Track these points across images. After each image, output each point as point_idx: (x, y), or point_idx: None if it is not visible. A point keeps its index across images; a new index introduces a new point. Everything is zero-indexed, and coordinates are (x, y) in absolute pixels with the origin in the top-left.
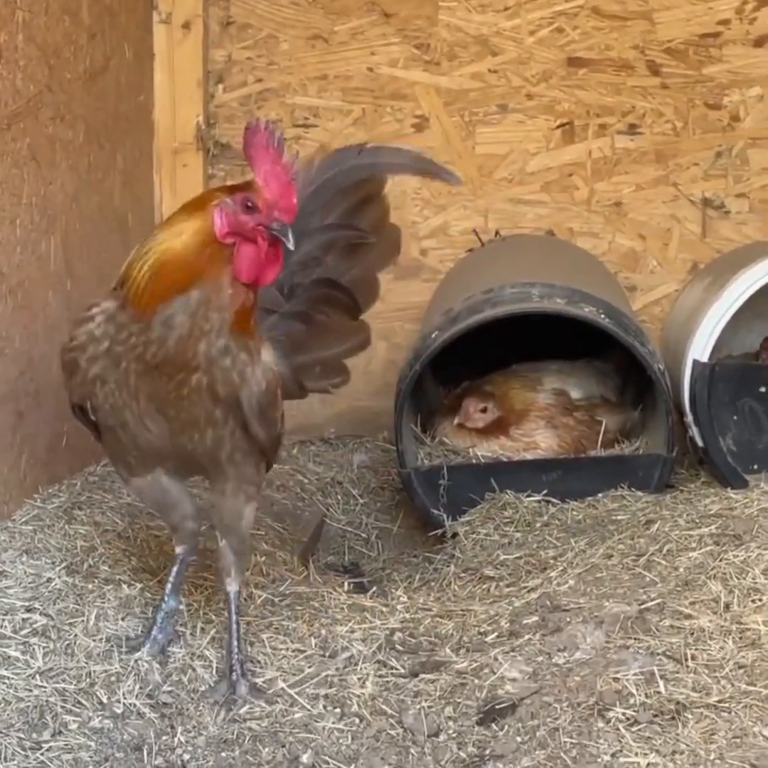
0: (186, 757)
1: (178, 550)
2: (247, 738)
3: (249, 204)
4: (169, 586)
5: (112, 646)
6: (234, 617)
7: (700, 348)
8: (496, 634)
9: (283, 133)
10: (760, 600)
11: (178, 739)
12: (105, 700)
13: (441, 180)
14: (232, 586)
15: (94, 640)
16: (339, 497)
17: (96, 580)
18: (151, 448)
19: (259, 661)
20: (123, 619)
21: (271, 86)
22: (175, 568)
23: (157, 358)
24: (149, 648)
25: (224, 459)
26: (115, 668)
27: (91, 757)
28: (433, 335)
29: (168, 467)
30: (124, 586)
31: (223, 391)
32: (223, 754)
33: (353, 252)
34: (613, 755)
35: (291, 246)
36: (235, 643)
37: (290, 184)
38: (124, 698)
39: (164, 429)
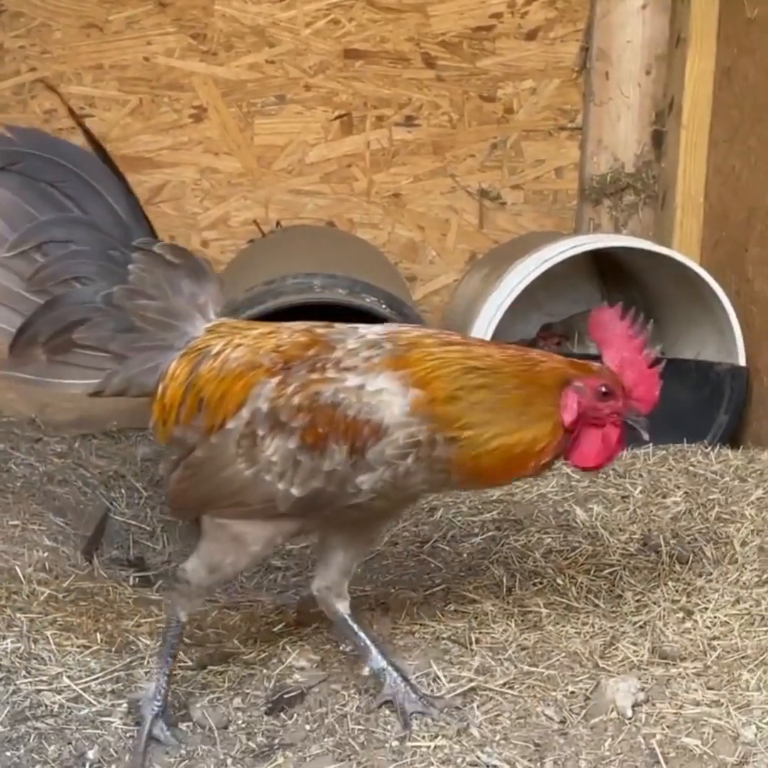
0: None
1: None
2: (33, 736)
3: (605, 390)
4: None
5: None
6: None
7: (480, 336)
8: (283, 623)
9: (643, 322)
10: (541, 583)
11: None
12: None
13: None
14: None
15: None
16: (123, 491)
17: None
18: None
19: (43, 659)
20: None
21: (45, 75)
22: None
23: None
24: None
25: None
26: None
27: None
28: None
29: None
30: None
31: None
32: (8, 754)
33: None
34: (400, 740)
35: (647, 438)
36: None
37: (653, 375)
38: None
39: None
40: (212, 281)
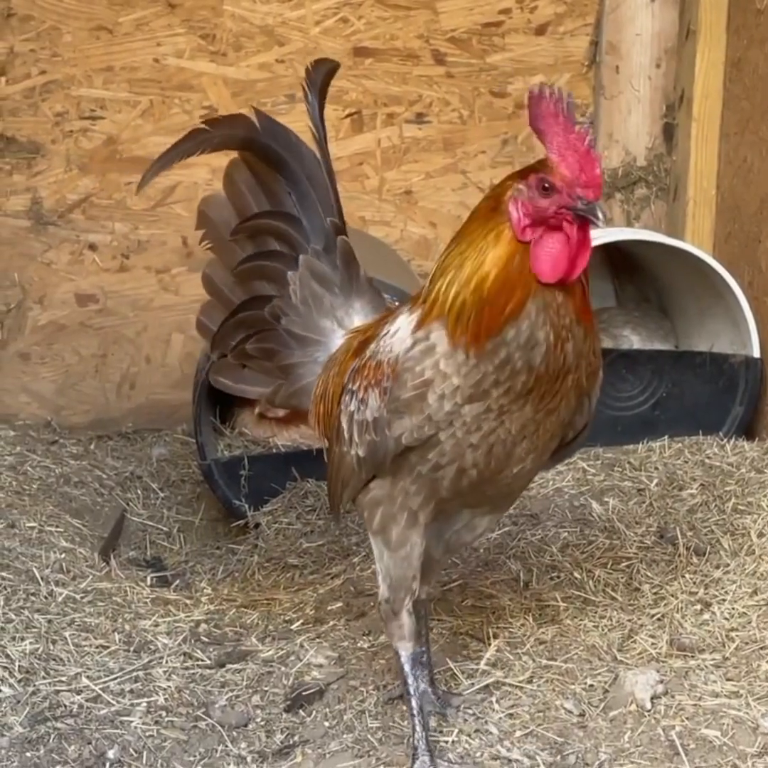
0: None
1: (410, 649)
2: (53, 737)
3: (546, 185)
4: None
5: None
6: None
7: None
8: (301, 621)
9: (572, 98)
10: (558, 577)
11: None
12: None
13: None
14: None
15: None
16: (139, 491)
17: None
18: (469, 487)
19: (62, 660)
20: None
21: (55, 78)
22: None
23: (528, 384)
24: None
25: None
26: None
27: None
28: None
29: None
30: None
31: (587, 382)
32: (29, 754)
33: None
34: None
35: (601, 223)
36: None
37: (588, 153)
38: None
39: (524, 453)
40: (361, 293)
